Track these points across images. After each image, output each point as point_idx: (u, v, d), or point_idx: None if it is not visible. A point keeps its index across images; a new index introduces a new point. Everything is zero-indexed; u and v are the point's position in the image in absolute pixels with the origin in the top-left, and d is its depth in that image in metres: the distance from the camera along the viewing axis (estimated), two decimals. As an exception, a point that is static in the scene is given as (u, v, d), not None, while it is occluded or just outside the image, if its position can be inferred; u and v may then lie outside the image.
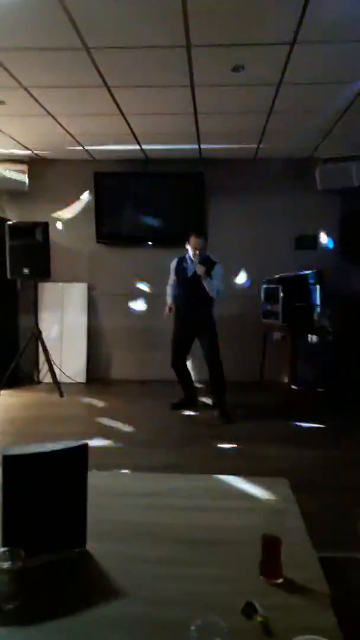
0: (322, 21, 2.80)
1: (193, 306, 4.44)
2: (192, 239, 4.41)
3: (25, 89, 3.78)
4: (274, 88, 3.75)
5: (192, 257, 4.43)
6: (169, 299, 4.67)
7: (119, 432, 4.04)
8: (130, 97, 3.96)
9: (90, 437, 3.54)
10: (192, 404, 4.70)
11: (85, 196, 5.89)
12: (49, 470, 1.31)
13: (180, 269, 4.52)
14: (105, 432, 3.97)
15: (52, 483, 1.32)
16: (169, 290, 4.68)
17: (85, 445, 1.37)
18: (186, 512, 1.59)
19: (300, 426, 4.26)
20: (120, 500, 1.66)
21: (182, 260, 4.55)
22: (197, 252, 4.38)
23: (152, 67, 3.41)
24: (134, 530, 1.47)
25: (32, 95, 3.91)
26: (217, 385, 4.47)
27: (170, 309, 4.63)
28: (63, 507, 1.33)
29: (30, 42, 3.05)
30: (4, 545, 1.21)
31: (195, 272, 4.36)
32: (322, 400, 5.17)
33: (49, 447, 1.33)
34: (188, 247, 4.45)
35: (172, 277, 4.63)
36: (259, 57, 3.24)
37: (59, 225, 5.93)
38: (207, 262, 4.39)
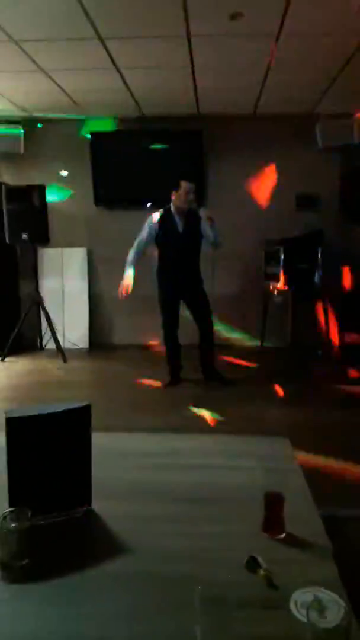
0: None
1: (186, 266, 4.09)
2: (183, 185, 3.96)
3: (16, 42, 3.61)
4: (274, 38, 3.58)
5: (181, 208, 4.04)
6: (129, 270, 4.07)
7: (122, 395, 4.08)
8: (124, 49, 3.79)
9: (94, 401, 3.59)
10: (179, 381, 4.30)
11: (82, 158, 5.73)
12: (53, 431, 1.32)
13: (168, 225, 4.05)
14: (109, 396, 4.02)
15: (56, 444, 1.33)
16: (131, 255, 4.10)
17: (88, 405, 1.37)
18: (189, 471, 1.61)
19: (301, 388, 4.30)
20: (124, 460, 1.68)
21: (167, 215, 4.07)
22: (193, 197, 4.01)
23: (147, 16, 3.24)
24: (138, 489, 1.50)
25: (23, 49, 3.74)
26: (212, 348, 4.28)
27: (127, 288, 4.04)
28: (68, 467, 1.35)
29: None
30: (10, 506, 1.23)
31: (186, 226, 4.04)
32: (321, 363, 5.20)
33: (52, 408, 1.33)
34: (175, 198, 4.03)
35: (145, 236, 4.09)
36: (257, 3, 3.07)
37: (56, 188, 5.80)
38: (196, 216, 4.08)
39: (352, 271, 5.35)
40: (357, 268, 5.33)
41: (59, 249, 5.83)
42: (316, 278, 4.97)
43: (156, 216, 4.14)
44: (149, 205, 5.68)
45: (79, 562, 1.17)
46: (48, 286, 5.79)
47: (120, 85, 4.56)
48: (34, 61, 3.97)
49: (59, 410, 1.34)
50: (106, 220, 5.83)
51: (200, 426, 3.35)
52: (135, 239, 4.25)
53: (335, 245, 5.37)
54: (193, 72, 4.28)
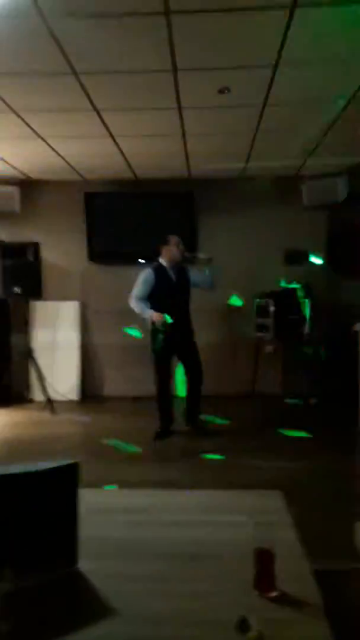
0: (304, 42, 2.88)
1: (181, 316, 4.20)
2: (173, 239, 4.26)
3: (15, 112, 3.84)
4: (259, 109, 3.84)
5: (174, 260, 4.27)
6: (147, 310, 4.18)
7: (111, 449, 4.01)
8: (119, 119, 4.04)
9: (83, 455, 3.51)
10: (170, 433, 4.31)
11: (76, 216, 5.94)
12: (38, 490, 1.30)
13: (163, 278, 4.24)
14: (98, 450, 3.95)
15: (41, 503, 1.30)
16: (140, 304, 4.21)
17: (76, 464, 1.36)
18: (178, 527, 1.58)
19: (292, 437, 4.28)
20: (112, 517, 1.65)
21: (159, 270, 4.27)
22: (183, 247, 4.32)
23: (139, 90, 3.49)
24: (125, 547, 1.46)
25: (22, 119, 3.97)
26: (199, 397, 4.31)
27: (159, 316, 4.10)
28: (53, 526, 1.32)
29: (20, 66, 3.11)
30: (-7, 566, 1.20)
31: (178, 278, 4.27)
32: (313, 411, 5.19)
33: (39, 466, 1.32)
34: (168, 252, 4.27)
35: (142, 291, 4.23)
36: (244, 79, 3.33)
37: (50, 245, 5.96)
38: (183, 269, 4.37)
39: (338, 322, 5.46)
40: (343, 319, 5.44)
41: (52, 303, 5.92)
42: (306, 329, 5.08)
43: (150, 274, 4.27)
44: (141, 261, 5.85)
45: (64, 626, 1.12)
46: (40, 338, 5.82)
47: (114, 151, 4.81)
48: (32, 129, 4.20)
49: (45, 468, 1.32)
50: (99, 275, 5.97)
51: (192, 479, 3.29)
52: (127, 293, 4.36)
53: (323, 297, 5.53)
54: (184, 140, 4.54)
